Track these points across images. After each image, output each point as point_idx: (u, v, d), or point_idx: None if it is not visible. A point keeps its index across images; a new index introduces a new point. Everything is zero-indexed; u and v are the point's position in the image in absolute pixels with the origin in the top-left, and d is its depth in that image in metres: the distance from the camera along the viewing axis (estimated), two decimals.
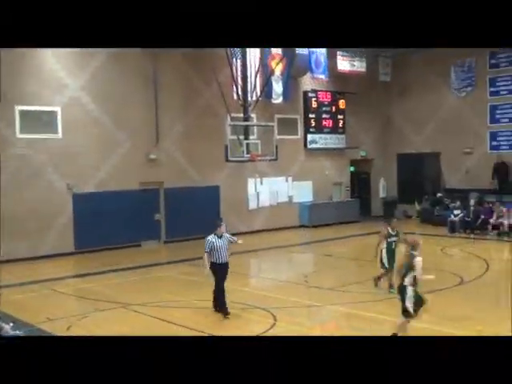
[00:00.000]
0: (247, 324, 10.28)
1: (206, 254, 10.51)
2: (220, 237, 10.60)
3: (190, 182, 20.86)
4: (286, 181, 24.03)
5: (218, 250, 10.49)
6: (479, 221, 21.07)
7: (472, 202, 22.04)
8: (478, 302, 11.37)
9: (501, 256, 17.43)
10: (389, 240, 11.90)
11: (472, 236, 20.58)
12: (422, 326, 8.85)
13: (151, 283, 14.03)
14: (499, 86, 24.31)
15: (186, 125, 20.81)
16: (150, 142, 19.98)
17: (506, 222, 20.44)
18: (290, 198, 24.19)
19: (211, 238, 10.58)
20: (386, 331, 8.74)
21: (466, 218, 21.48)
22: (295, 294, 12.17)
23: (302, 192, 24.47)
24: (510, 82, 23.98)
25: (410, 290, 8.40)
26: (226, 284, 10.66)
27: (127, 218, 19.05)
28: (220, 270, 10.54)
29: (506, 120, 24.19)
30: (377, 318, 10.22)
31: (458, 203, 22.25)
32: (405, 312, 8.46)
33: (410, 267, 8.40)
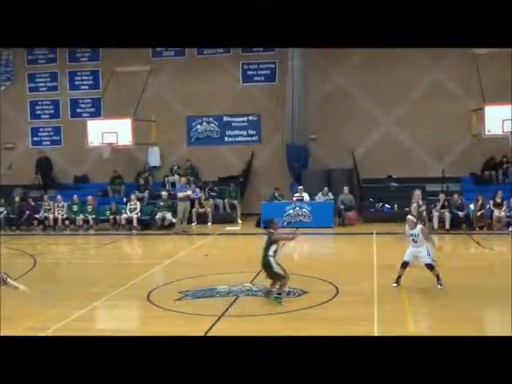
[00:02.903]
0: None
1: None
2: None
3: None
4: None
5: None
6: (24, 216, 20.99)
7: (17, 198, 21.81)
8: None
9: (46, 249, 17.71)
10: None
11: (18, 232, 20.48)
12: None
13: None
14: (38, 82, 24.60)
15: None
16: None
17: (51, 216, 20.91)
18: None
19: None
20: None
21: (11, 215, 21.14)
22: None
23: None
24: (48, 79, 24.51)
25: (273, 260, 9.92)
26: None
27: None
28: None
29: (47, 116, 24.68)
30: None
31: (2, 200, 21.70)
32: (277, 276, 9.98)
33: (270, 242, 10.05)
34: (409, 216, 11.58)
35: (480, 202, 18.40)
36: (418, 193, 16.71)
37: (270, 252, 10.01)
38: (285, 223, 19.43)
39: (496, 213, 18.23)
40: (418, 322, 8.89)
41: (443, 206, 18.34)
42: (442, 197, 18.56)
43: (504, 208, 18.33)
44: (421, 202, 16.77)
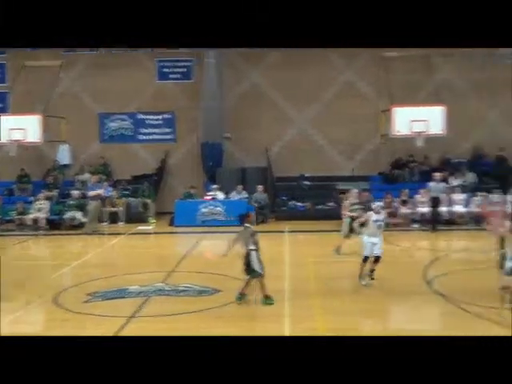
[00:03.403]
0: None
1: None
2: None
3: None
4: None
5: None
6: None
7: None
8: None
9: None
10: None
11: None
12: None
13: None
14: None
15: None
16: None
17: None
18: None
19: None
20: None
21: None
22: None
23: None
24: None
25: (255, 255, 9.60)
26: None
27: None
28: None
29: None
30: None
31: None
32: (252, 272, 9.61)
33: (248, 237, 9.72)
34: (376, 203, 11.65)
35: (388, 200, 19.02)
36: (354, 191, 16.81)
37: (251, 246, 9.76)
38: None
39: (402, 210, 18.92)
40: (327, 318, 9.07)
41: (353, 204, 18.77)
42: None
43: (409, 205, 19.05)
44: (355, 201, 16.88)
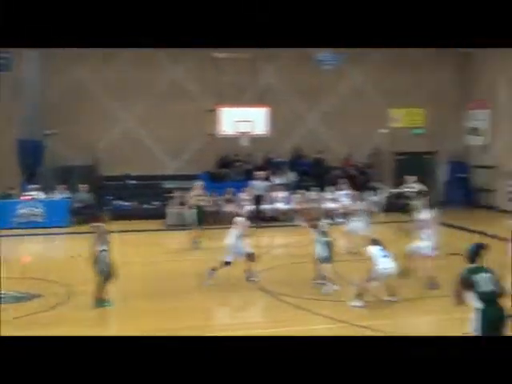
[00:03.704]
0: None
1: None
2: None
3: None
4: None
5: None
6: None
7: None
8: None
9: None
10: None
11: None
12: None
13: None
14: None
15: None
16: None
17: None
18: None
19: None
20: None
21: None
22: None
23: None
24: None
25: (106, 255, 9.59)
26: None
27: None
28: None
29: None
30: None
31: None
32: (101, 273, 9.50)
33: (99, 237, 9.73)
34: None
35: (214, 198, 19.30)
36: (199, 183, 16.60)
37: (103, 247, 9.65)
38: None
39: (227, 208, 19.26)
40: (156, 318, 9.01)
41: (182, 203, 18.75)
42: (177, 194, 19.05)
43: (234, 204, 19.50)
44: (199, 193, 16.74)
